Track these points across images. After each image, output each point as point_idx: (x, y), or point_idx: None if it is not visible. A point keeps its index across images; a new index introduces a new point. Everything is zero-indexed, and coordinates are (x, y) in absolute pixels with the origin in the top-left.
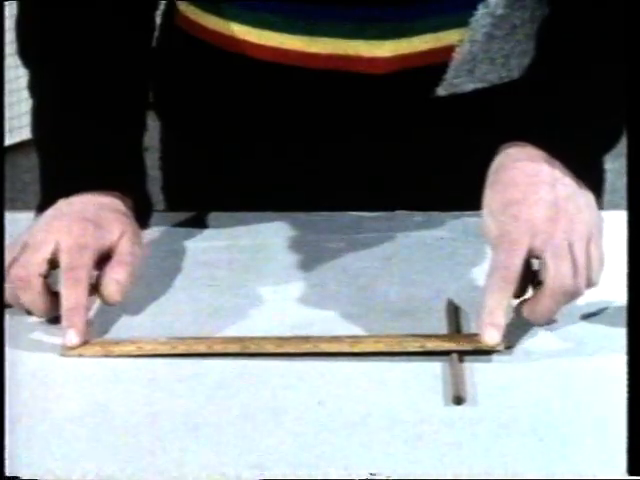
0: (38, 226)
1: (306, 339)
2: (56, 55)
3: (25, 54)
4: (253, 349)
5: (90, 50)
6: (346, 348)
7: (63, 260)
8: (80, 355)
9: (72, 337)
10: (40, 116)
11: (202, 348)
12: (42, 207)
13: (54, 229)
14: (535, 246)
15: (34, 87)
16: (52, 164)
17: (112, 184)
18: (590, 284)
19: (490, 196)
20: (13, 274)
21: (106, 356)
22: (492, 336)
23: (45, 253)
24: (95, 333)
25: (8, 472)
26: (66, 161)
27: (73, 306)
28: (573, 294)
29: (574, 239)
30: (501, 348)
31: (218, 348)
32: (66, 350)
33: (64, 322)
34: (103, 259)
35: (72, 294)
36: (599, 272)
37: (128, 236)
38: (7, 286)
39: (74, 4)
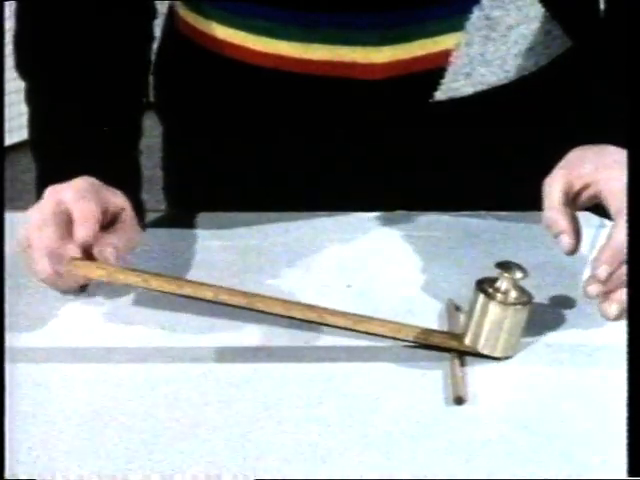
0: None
1: (312, 308)
2: (50, 63)
3: (22, 67)
4: (259, 307)
5: (83, 56)
6: (350, 324)
7: (73, 210)
8: (84, 276)
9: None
10: (34, 122)
11: (208, 294)
12: None
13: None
14: None
15: (30, 97)
16: (44, 167)
17: (104, 182)
18: None
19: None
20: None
21: (110, 282)
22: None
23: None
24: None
25: (8, 472)
26: (57, 162)
27: (84, 219)
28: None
29: None
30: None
31: (224, 297)
32: (71, 267)
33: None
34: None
35: (84, 224)
36: None
37: (129, 210)
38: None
39: (68, 16)
